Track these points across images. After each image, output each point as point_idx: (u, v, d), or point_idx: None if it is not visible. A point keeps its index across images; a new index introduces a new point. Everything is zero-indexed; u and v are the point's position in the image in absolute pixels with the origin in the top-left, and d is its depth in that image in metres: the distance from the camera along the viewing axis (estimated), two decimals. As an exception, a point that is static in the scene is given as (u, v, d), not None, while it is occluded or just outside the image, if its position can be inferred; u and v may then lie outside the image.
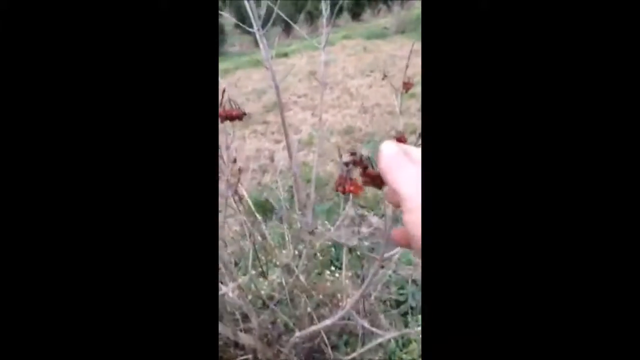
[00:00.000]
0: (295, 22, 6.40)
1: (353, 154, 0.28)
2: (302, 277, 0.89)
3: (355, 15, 7.67)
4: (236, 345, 0.99)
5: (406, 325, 1.22)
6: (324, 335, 0.86)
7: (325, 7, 0.93)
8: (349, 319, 0.96)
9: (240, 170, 0.55)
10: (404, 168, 0.22)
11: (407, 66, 0.80)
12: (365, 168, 0.27)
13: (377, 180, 0.26)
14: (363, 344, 1.03)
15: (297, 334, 0.80)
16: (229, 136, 0.58)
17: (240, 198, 0.73)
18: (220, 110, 0.49)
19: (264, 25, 0.81)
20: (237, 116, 0.49)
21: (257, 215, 1.11)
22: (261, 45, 0.80)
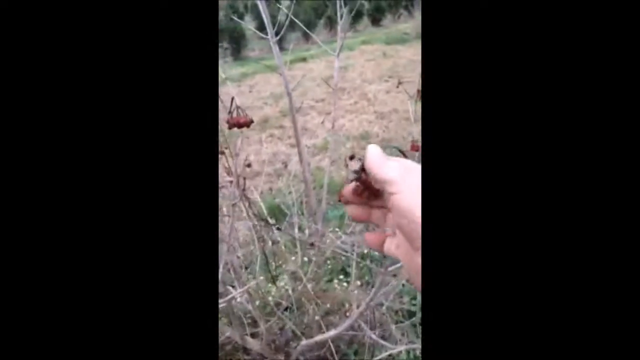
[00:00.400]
0: (315, 27, 6.44)
1: (352, 157, 0.27)
2: (310, 284, 0.88)
3: (376, 21, 7.66)
4: (244, 349, 0.99)
5: (418, 337, 1.20)
6: (331, 345, 0.85)
7: (340, 15, 0.92)
8: (358, 328, 0.95)
9: (245, 178, 0.56)
10: (386, 161, 0.25)
11: (421, 74, 0.78)
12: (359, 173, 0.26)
13: (370, 187, 0.26)
14: (373, 355, 1.01)
15: (303, 342, 0.79)
16: (238, 141, 0.58)
17: (250, 203, 0.73)
18: (228, 117, 0.50)
19: (278, 32, 0.81)
20: (245, 123, 0.49)
21: (270, 220, 1.11)
22: (274, 52, 0.80)
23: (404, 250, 0.25)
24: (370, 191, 0.26)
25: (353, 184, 0.27)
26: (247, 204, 0.79)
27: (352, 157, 0.27)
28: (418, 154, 0.75)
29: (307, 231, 1.01)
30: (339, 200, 0.29)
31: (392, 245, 0.27)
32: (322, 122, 2.58)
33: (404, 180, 0.23)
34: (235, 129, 0.51)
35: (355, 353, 1.11)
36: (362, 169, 0.26)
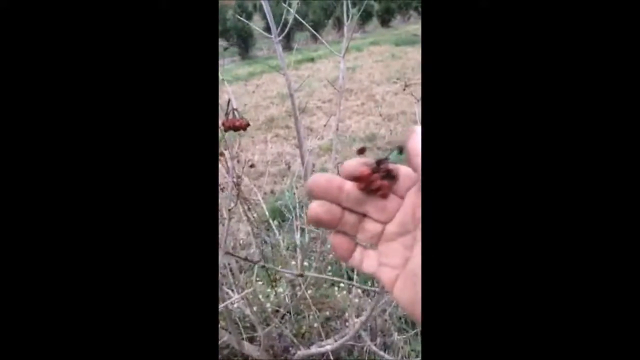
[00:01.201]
0: (324, 27, 6.43)
1: (363, 150, 0.24)
2: (309, 291, 0.86)
3: (385, 22, 7.63)
4: (242, 354, 0.98)
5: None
6: (330, 354, 0.83)
7: (347, 17, 0.90)
8: (358, 338, 0.92)
9: (240, 179, 0.54)
10: None
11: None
12: (379, 164, 0.22)
13: (390, 175, 0.22)
14: (373, 363, 0.99)
15: (300, 352, 0.77)
16: (235, 143, 0.56)
17: (249, 206, 0.71)
18: (224, 119, 0.48)
19: (281, 32, 0.80)
20: (241, 126, 0.47)
21: (271, 222, 1.09)
22: (277, 52, 0.78)
23: (411, 271, 0.21)
24: (372, 185, 0.22)
25: (357, 163, 0.22)
26: (246, 207, 0.77)
27: (362, 151, 0.24)
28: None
29: (307, 236, 0.99)
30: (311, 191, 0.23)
31: (371, 260, 0.23)
32: (325, 125, 2.56)
33: None
34: (232, 131, 0.49)
35: (356, 361, 1.09)
36: (385, 159, 0.22)
